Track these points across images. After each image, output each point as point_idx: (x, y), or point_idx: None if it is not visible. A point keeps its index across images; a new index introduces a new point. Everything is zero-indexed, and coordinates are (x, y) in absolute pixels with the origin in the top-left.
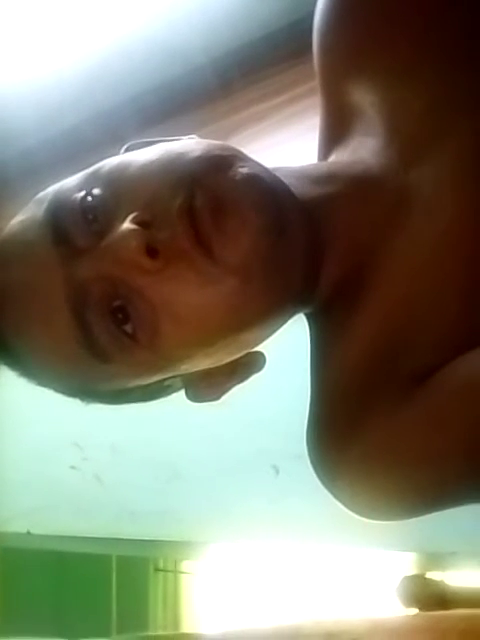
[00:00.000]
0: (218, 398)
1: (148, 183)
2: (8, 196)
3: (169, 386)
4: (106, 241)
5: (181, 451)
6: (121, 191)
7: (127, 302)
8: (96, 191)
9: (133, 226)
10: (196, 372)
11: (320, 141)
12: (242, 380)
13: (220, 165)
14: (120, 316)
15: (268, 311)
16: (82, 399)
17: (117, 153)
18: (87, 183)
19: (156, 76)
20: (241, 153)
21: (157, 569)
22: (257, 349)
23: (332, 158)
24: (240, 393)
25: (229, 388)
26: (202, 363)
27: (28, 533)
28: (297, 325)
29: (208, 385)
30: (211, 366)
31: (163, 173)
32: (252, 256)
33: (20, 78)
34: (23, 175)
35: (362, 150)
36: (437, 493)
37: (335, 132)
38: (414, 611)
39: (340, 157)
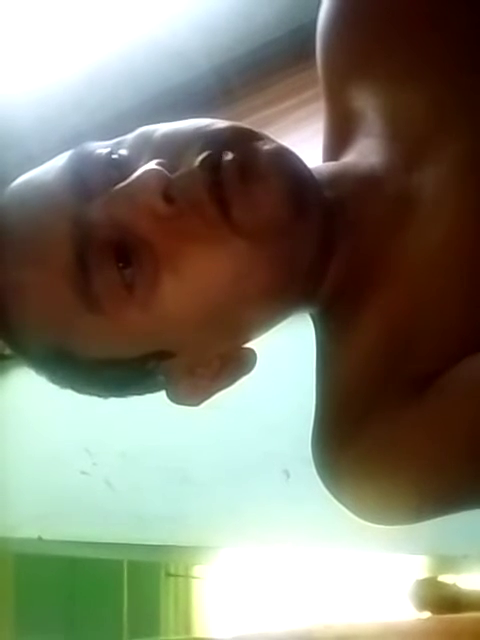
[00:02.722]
0: (199, 403)
1: (175, 140)
2: None
3: (150, 374)
4: (124, 182)
5: (191, 456)
6: (146, 148)
7: (132, 250)
8: (122, 151)
9: (155, 166)
10: (180, 367)
11: (324, 145)
12: (228, 383)
13: (251, 135)
14: (121, 264)
15: (270, 289)
16: (53, 371)
17: None
18: (113, 145)
19: (159, 83)
20: (268, 135)
21: (168, 574)
22: (248, 347)
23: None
24: (250, 397)
25: (212, 392)
26: (192, 341)
27: (39, 539)
28: (309, 328)
29: (191, 384)
30: (200, 351)
31: (192, 133)
32: (268, 225)
33: (22, 85)
34: None
35: (366, 153)
36: (440, 496)
37: (339, 136)
38: (427, 614)
39: (344, 159)
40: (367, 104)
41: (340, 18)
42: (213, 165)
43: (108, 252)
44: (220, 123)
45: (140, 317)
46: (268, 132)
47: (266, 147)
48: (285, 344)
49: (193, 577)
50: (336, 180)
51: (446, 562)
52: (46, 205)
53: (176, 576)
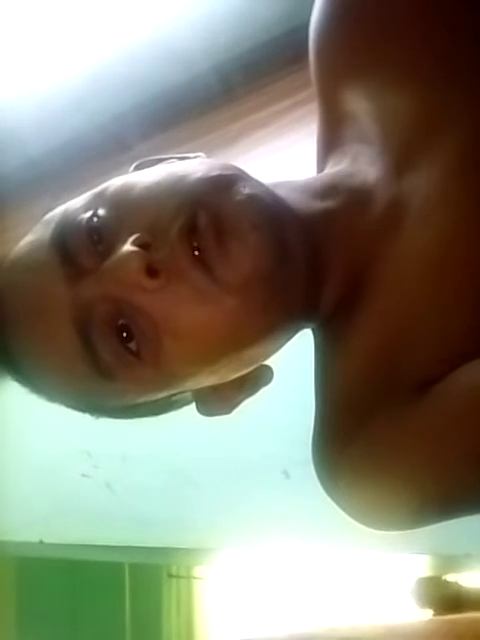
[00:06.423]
0: (229, 412)
1: (150, 205)
2: (12, 205)
3: (178, 401)
4: (107, 263)
5: (191, 457)
6: (124, 212)
7: (130, 320)
8: (101, 212)
9: (133, 248)
10: (205, 387)
11: (318, 147)
12: (251, 394)
13: (221, 186)
14: (125, 334)
15: (268, 330)
16: (92, 414)
17: (121, 161)
18: (93, 204)
19: (159, 83)
20: (243, 172)
21: (170, 575)
22: (264, 363)
23: (330, 165)
24: (250, 399)
25: (240, 402)
26: (207, 379)
27: (41, 542)
28: (305, 333)
29: (218, 399)
30: (218, 382)
31: (165, 195)
32: (253, 277)
33: (23, 86)
34: (27, 183)
35: (359, 158)
36: (440, 499)
37: (332, 139)
38: (429, 613)
39: (337, 165)
40: (360, 108)
41: (334, 19)
42: (190, 231)
43: (110, 325)
44: (191, 176)
45: (154, 374)
46: (264, 132)
47: (238, 198)
48: (285, 348)
49: (195, 578)
50: (330, 193)
51: (449, 561)
52: (42, 292)
53: (178, 577)
